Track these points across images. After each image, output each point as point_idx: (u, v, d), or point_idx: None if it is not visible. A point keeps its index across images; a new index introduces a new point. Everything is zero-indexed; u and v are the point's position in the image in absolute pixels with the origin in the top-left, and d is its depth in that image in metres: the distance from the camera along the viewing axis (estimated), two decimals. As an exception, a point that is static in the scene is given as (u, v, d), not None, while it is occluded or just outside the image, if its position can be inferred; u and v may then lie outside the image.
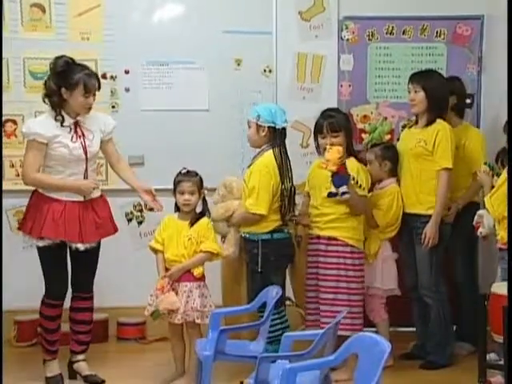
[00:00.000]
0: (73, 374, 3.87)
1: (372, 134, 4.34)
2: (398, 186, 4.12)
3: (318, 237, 3.91)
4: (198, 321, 3.64)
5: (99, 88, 3.73)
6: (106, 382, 3.82)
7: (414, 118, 4.24)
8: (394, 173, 4.15)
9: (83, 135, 3.70)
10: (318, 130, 3.90)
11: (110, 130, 3.82)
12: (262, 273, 3.76)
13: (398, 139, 4.40)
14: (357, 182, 3.81)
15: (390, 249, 4.13)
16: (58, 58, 3.68)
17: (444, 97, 4.08)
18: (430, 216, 3.96)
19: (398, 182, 4.14)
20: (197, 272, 3.67)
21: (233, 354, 3.26)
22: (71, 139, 3.66)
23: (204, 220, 3.73)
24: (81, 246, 3.69)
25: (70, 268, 3.80)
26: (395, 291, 4.13)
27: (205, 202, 3.77)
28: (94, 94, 3.69)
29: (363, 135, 4.57)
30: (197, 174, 3.77)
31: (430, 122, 4.01)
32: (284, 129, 3.84)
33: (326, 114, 3.91)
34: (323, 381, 2.69)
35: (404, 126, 4.53)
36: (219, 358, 3.22)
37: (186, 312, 3.63)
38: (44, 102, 3.70)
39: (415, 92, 4.04)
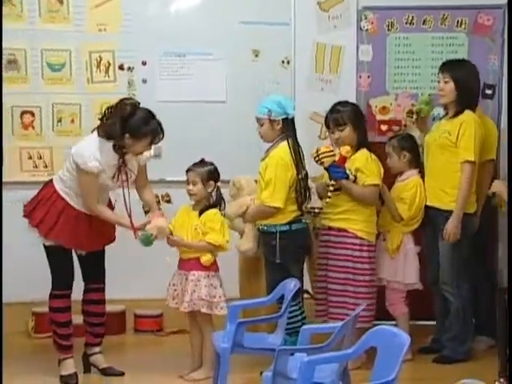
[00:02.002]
0: (87, 368, 3.90)
1: (425, 106, 4.24)
2: (419, 177, 4.12)
3: (329, 228, 3.96)
4: (203, 310, 3.66)
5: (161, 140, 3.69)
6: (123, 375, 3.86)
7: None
8: (416, 164, 4.15)
9: (126, 176, 3.67)
10: (327, 126, 3.98)
11: (144, 161, 3.81)
12: (280, 264, 3.78)
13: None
14: (354, 180, 3.84)
15: (413, 242, 4.13)
16: (124, 103, 3.59)
17: (474, 88, 4.03)
18: (452, 211, 3.93)
19: (420, 173, 4.13)
20: (204, 259, 3.68)
21: (251, 346, 3.27)
22: (112, 178, 3.64)
23: (212, 211, 3.73)
24: (83, 253, 3.77)
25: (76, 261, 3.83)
26: (416, 285, 4.12)
27: (217, 193, 3.77)
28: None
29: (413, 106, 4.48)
30: (211, 164, 3.77)
31: (457, 113, 3.98)
32: (293, 118, 3.85)
33: (333, 108, 3.97)
34: (342, 374, 2.70)
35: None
36: (237, 350, 3.24)
37: (193, 301, 3.66)
38: (99, 133, 3.61)
39: (445, 82, 3.99)
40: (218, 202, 3.77)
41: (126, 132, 3.56)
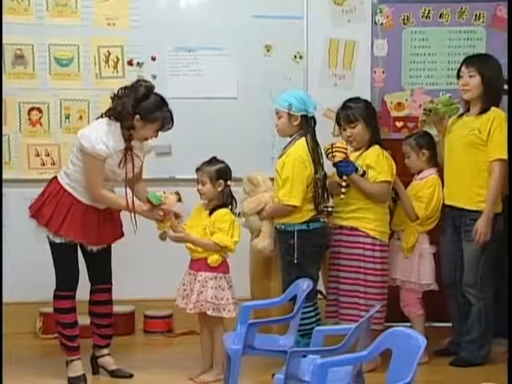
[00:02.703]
0: (96, 370, 3.90)
1: (442, 106, 4.08)
2: (438, 176, 4.09)
3: (341, 227, 3.95)
4: (209, 312, 3.65)
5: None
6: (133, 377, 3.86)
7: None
8: (434, 162, 4.12)
9: (132, 162, 3.68)
10: (338, 123, 3.98)
11: (147, 150, 3.83)
12: (297, 264, 3.77)
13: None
14: (363, 175, 3.83)
15: (428, 242, 4.10)
16: (140, 84, 3.64)
17: (499, 84, 3.97)
18: (480, 212, 3.88)
19: (438, 172, 4.10)
20: (210, 260, 3.67)
21: (262, 348, 3.26)
22: (119, 164, 3.65)
23: (221, 211, 3.72)
24: (94, 248, 3.76)
25: (82, 262, 3.83)
26: (432, 286, 4.10)
27: (227, 193, 3.75)
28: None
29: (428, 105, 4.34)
30: (221, 163, 3.75)
31: (484, 110, 3.91)
32: (313, 116, 3.84)
33: (345, 104, 3.96)
34: (356, 377, 2.68)
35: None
36: (248, 352, 3.22)
37: (200, 302, 3.65)
38: (106, 115, 3.64)
39: (470, 76, 3.92)
40: (229, 202, 3.75)
41: (137, 113, 3.58)
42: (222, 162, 3.77)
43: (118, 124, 3.62)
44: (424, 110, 4.18)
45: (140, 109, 3.59)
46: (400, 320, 3.99)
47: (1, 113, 4.22)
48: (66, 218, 3.65)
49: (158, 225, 3.69)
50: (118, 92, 3.67)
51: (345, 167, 3.83)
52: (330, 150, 3.87)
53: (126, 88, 3.66)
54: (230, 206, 3.75)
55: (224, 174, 3.73)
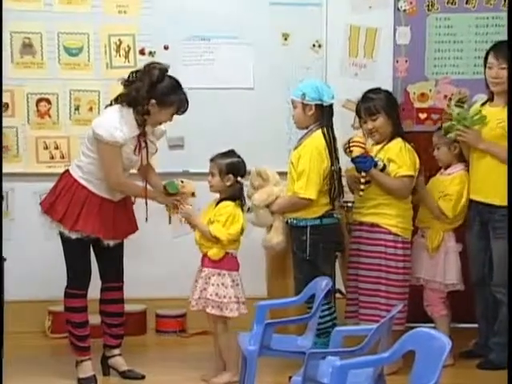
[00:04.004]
0: (107, 371, 3.91)
1: (460, 121, 3.91)
2: (466, 172, 4.05)
3: (361, 223, 3.94)
4: (208, 310, 3.66)
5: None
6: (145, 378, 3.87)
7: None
8: (463, 157, 4.08)
9: (147, 148, 3.71)
10: (358, 115, 3.98)
11: (159, 135, 3.85)
12: (310, 261, 3.77)
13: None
14: (383, 169, 3.81)
15: (454, 239, 4.08)
16: (154, 67, 3.66)
17: None
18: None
19: (466, 167, 4.06)
20: (210, 253, 3.68)
21: (279, 349, 3.26)
22: (134, 151, 3.67)
23: (224, 203, 3.72)
24: (111, 243, 3.76)
25: (93, 260, 3.85)
26: (457, 286, 4.07)
27: (237, 189, 3.73)
28: None
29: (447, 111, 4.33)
30: (237, 157, 3.74)
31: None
32: (331, 106, 3.83)
33: (365, 96, 3.95)
34: (377, 380, 2.67)
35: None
36: (264, 353, 3.22)
37: (202, 299, 3.67)
38: (117, 101, 3.66)
39: (501, 69, 3.85)
40: (237, 197, 3.73)
41: (152, 97, 3.59)
42: (238, 156, 3.76)
43: (130, 110, 3.62)
44: (457, 101, 4.14)
45: (155, 93, 3.59)
46: (423, 321, 3.97)
47: (1, 112, 4.23)
48: (81, 213, 3.65)
49: (171, 210, 3.72)
50: (129, 77, 3.67)
51: (363, 163, 3.81)
52: (346, 145, 3.86)
53: (138, 72, 3.67)
54: (239, 202, 3.73)
55: (234, 169, 3.72)
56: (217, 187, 3.74)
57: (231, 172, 3.71)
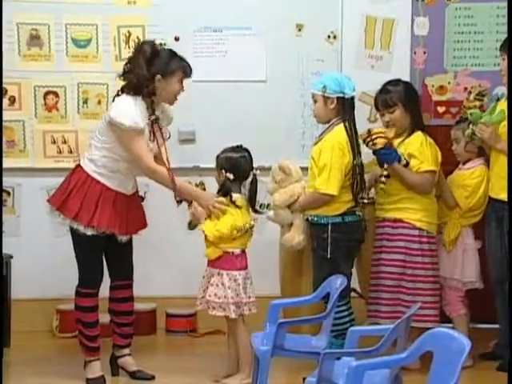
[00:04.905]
0: (115, 371, 3.92)
1: (475, 122, 3.89)
2: (486, 167, 4.03)
3: (384, 219, 3.94)
4: (209, 311, 3.69)
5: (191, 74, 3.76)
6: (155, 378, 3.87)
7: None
8: (483, 152, 4.06)
9: (161, 132, 3.74)
10: (375, 107, 3.99)
11: (168, 122, 3.86)
12: (330, 260, 3.74)
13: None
14: (406, 165, 3.80)
15: (473, 236, 4.07)
16: (142, 45, 3.69)
17: None
18: None
19: (486, 162, 4.05)
20: (206, 253, 3.71)
21: (293, 349, 3.25)
22: (149, 138, 3.69)
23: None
24: (124, 238, 3.78)
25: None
26: (476, 284, 4.07)
27: (226, 185, 3.74)
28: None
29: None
30: (236, 152, 3.76)
31: None
32: (352, 98, 3.82)
33: (383, 88, 3.96)
34: (394, 381, 2.66)
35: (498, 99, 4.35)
36: (278, 353, 3.21)
37: (204, 298, 3.71)
38: (124, 91, 3.67)
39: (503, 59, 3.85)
40: (223, 193, 3.73)
41: (155, 74, 3.61)
42: (244, 151, 3.77)
43: (139, 97, 3.64)
44: (477, 94, 4.12)
45: (156, 67, 3.62)
46: (444, 321, 3.95)
47: (1, 112, 4.24)
48: (96, 208, 3.65)
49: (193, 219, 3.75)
50: (125, 69, 3.70)
51: (388, 154, 3.79)
52: (368, 138, 3.83)
53: (130, 60, 3.69)
54: (229, 198, 3.72)
55: (226, 164, 3.74)
56: (217, 182, 3.80)
57: (223, 167, 3.74)
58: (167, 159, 3.77)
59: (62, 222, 3.76)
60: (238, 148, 3.79)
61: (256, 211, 3.83)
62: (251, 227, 3.76)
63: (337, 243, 3.75)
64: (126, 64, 3.70)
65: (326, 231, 3.76)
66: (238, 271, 3.69)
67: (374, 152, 3.85)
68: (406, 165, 3.82)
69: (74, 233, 3.70)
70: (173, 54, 3.70)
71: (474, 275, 4.04)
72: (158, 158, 3.78)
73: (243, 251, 3.74)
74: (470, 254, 4.05)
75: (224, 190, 3.73)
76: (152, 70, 3.62)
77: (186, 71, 3.70)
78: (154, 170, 3.67)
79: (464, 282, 4.05)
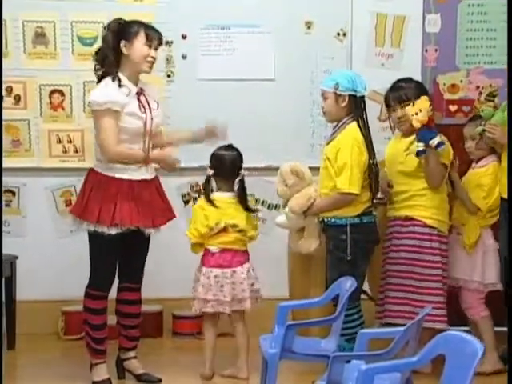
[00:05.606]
0: (122, 374, 3.92)
1: (487, 119, 3.90)
2: (499, 163, 4.02)
3: (395, 218, 3.93)
4: (205, 309, 3.83)
5: (161, 41, 3.75)
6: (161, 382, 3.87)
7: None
8: (495, 149, 4.04)
9: (149, 105, 3.74)
10: (386, 105, 3.96)
11: (154, 95, 3.87)
12: (350, 261, 3.70)
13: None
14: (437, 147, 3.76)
15: (492, 237, 4.03)
16: (106, 29, 3.75)
17: None
18: None
19: (499, 159, 4.03)
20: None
21: (301, 352, 3.24)
22: (139, 109, 3.70)
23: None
24: (152, 231, 3.77)
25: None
26: (497, 286, 4.02)
27: (207, 178, 3.90)
28: (156, 49, 3.72)
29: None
30: (224, 150, 3.89)
31: None
32: (363, 97, 3.81)
33: (395, 85, 3.95)
34: (404, 384, 2.65)
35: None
36: (286, 356, 3.21)
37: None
38: (96, 72, 3.71)
39: None
40: (204, 193, 3.89)
41: (119, 40, 3.65)
42: (231, 150, 3.87)
43: (116, 75, 3.67)
44: (488, 95, 4.10)
45: (119, 37, 3.66)
46: (458, 324, 3.93)
47: (0, 112, 4.24)
48: (116, 205, 3.63)
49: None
50: (95, 65, 3.73)
51: (428, 133, 3.70)
52: (403, 119, 3.81)
53: (98, 50, 3.73)
54: (206, 199, 3.88)
55: (211, 160, 3.89)
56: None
57: (209, 164, 3.88)
58: (161, 132, 3.87)
59: (86, 228, 3.68)
60: (228, 147, 3.87)
61: (248, 210, 3.89)
62: (232, 226, 3.83)
63: (356, 245, 3.72)
64: (96, 54, 3.73)
65: (345, 232, 3.72)
66: (212, 268, 3.82)
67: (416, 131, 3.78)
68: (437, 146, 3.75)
69: (95, 235, 3.65)
70: (135, 20, 3.72)
71: (495, 277, 4.00)
72: (156, 135, 3.82)
73: (225, 250, 3.83)
74: (491, 255, 4.01)
75: (204, 187, 3.88)
76: (116, 38, 3.65)
77: (149, 34, 3.68)
78: (118, 152, 3.65)
79: (485, 284, 4.01)
